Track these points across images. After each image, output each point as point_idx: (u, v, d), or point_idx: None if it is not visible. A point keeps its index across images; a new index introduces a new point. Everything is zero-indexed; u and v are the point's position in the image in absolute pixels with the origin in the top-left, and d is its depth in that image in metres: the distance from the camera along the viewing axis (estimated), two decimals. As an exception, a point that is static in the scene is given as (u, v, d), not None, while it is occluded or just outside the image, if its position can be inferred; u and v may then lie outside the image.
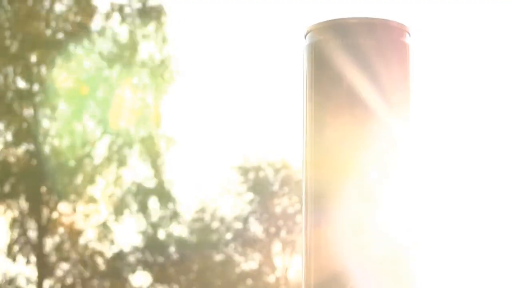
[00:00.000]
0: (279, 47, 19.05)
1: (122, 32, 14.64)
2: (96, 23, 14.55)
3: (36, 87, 14.23)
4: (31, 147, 14.10)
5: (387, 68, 0.83)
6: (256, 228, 15.78)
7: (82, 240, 14.51)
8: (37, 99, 14.19)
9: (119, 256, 14.53)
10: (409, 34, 0.85)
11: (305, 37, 0.86)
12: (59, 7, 14.39)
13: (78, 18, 14.44)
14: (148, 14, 14.59)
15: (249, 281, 15.58)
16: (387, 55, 0.83)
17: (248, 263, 15.75)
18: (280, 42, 18.77)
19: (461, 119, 19.13)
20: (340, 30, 0.83)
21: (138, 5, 14.61)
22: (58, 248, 14.26)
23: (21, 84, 14.23)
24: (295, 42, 0.92)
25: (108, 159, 14.55)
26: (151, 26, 14.62)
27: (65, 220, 14.40)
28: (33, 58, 14.27)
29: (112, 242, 14.64)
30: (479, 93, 20.42)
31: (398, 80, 0.83)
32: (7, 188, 14.02)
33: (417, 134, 0.85)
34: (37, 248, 13.90)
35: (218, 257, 15.47)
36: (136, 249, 14.74)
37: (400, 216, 0.82)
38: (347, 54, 0.82)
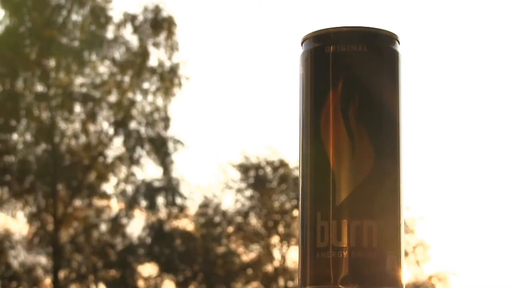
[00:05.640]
0: (278, 54, 19.09)
1: (134, 40, 14.68)
2: (110, 32, 14.59)
3: (53, 91, 14.24)
4: (49, 146, 14.11)
5: (378, 74, 0.82)
6: (255, 222, 15.80)
7: (95, 233, 14.53)
8: (54, 102, 14.20)
9: (129, 248, 14.54)
10: (399, 42, 0.85)
11: (302, 44, 0.85)
12: (75, 16, 14.41)
13: (93, 27, 14.46)
14: (159, 24, 14.61)
15: (249, 271, 15.59)
16: (378, 61, 0.83)
17: (248, 254, 15.77)
18: (279, 50, 18.80)
19: (448, 121, 19.16)
20: (334, 38, 0.83)
21: (150, 15, 14.64)
22: (73, 240, 14.28)
23: (39, 88, 14.25)
24: (293, 49, 0.91)
25: (120, 158, 14.57)
26: (162, 35, 14.65)
27: (79, 214, 14.42)
28: (51, 64, 14.30)
29: (123, 235, 14.65)
30: (466, 97, 20.45)
31: (388, 84, 0.83)
32: (26, 185, 14.04)
33: (407, 135, 0.84)
34: (53, 240, 13.92)
35: (221, 249, 15.48)
36: (144, 242, 14.75)
37: (397, 212, 0.82)
38: (340, 60, 0.82)
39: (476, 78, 19.44)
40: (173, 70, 14.73)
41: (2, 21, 14.08)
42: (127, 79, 14.64)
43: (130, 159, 14.60)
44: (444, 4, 19.43)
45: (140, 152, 14.56)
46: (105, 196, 14.56)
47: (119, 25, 14.63)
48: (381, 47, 0.83)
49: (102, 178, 14.49)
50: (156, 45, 14.71)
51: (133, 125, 14.58)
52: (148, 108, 14.67)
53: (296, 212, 15.11)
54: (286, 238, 15.58)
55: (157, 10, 14.66)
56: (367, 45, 0.82)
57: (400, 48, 0.85)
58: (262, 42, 20.98)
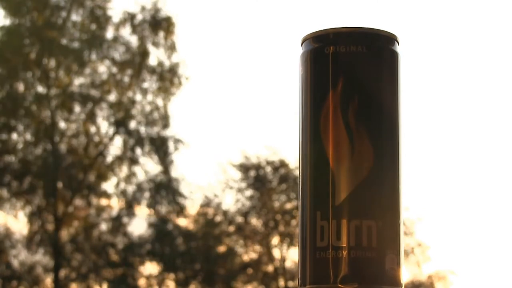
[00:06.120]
0: (278, 55, 19.09)
1: (133, 40, 14.68)
2: (109, 32, 14.59)
3: (53, 91, 14.24)
4: (48, 146, 14.11)
5: (377, 74, 0.83)
6: (256, 222, 15.80)
7: (95, 232, 14.52)
8: (54, 102, 14.20)
9: (130, 247, 14.53)
10: (398, 43, 0.85)
11: (301, 45, 0.86)
12: (75, 17, 14.42)
13: (93, 27, 14.46)
14: (158, 23, 14.61)
15: (250, 271, 15.59)
16: (377, 62, 0.83)
17: (249, 254, 15.77)
18: (279, 50, 18.81)
19: (448, 121, 19.16)
20: (334, 38, 0.83)
21: (149, 15, 14.64)
22: (73, 239, 14.27)
23: (39, 88, 14.25)
24: (293, 50, 0.92)
25: (120, 158, 14.57)
26: (161, 35, 14.64)
27: (80, 213, 14.42)
28: (51, 64, 14.29)
29: (123, 234, 14.65)
30: (465, 97, 20.46)
31: (388, 85, 0.83)
32: (26, 184, 14.03)
33: (407, 135, 0.85)
34: (54, 239, 13.91)
35: (221, 249, 15.48)
36: (145, 241, 14.75)
37: (396, 212, 0.82)
38: (340, 61, 0.82)
39: (475, 78, 19.44)
40: (173, 69, 14.73)
41: (2, 21, 14.10)
42: (126, 78, 14.64)
43: (130, 159, 14.60)
44: (444, 4, 19.43)
45: (140, 151, 14.56)
46: (105, 195, 14.56)
47: (119, 25, 14.63)
48: (381, 48, 0.83)
49: (103, 177, 14.49)
50: (155, 44, 14.71)
51: (133, 124, 14.59)
52: (148, 108, 14.67)
53: (296, 212, 15.11)
54: (286, 237, 15.58)
55: (156, 9, 14.66)
56: (366, 45, 0.82)
57: (399, 48, 0.85)
58: (262, 42, 20.99)
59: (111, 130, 14.54)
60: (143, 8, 14.65)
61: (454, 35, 19.54)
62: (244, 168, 15.75)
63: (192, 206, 15.36)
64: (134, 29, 14.65)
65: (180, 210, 14.99)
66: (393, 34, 0.85)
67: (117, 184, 14.58)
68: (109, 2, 14.61)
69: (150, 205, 14.76)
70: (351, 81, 0.82)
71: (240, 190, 15.74)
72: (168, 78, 14.67)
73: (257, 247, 15.73)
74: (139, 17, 14.65)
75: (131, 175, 14.61)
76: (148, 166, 14.82)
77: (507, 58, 19.39)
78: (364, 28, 0.83)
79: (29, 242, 13.97)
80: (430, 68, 19.71)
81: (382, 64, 0.83)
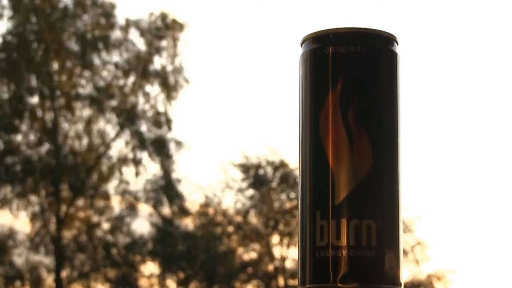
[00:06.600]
0: (278, 55, 19.11)
1: (137, 43, 14.70)
2: (114, 36, 14.61)
3: (57, 93, 14.25)
4: (52, 147, 14.11)
5: (376, 75, 0.82)
6: (256, 221, 15.79)
7: (97, 232, 14.53)
8: (58, 103, 14.21)
9: (132, 247, 14.53)
10: (397, 43, 0.85)
11: (301, 45, 0.85)
12: (80, 20, 14.43)
13: (98, 31, 14.48)
14: (162, 29, 14.63)
15: (250, 270, 15.59)
16: (376, 62, 0.83)
17: (249, 253, 15.77)
18: (279, 50, 18.82)
19: (447, 121, 19.18)
20: (333, 39, 0.83)
21: (153, 20, 14.66)
22: (75, 239, 14.27)
23: (44, 90, 14.25)
24: (293, 50, 0.92)
25: (122, 159, 14.58)
26: (165, 40, 14.68)
27: (82, 214, 14.42)
28: (55, 66, 14.31)
29: (125, 234, 14.65)
30: (465, 97, 20.48)
31: (387, 85, 0.83)
32: (29, 184, 14.04)
33: (406, 135, 0.84)
34: (56, 239, 13.91)
35: (221, 248, 15.48)
36: (146, 241, 14.75)
37: (396, 211, 0.82)
38: (340, 61, 0.82)
39: (475, 78, 19.45)
40: (175, 73, 14.76)
41: (9, 22, 14.11)
42: (130, 81, 14.67)
43: (133, 160, 14.61)
44: (443, 4, 19.44)
45: (142, 152, 14.58)
46: (107, 196, 14.57)
47: (123, 30, 14.65)
48: (380, 48, 0.83)
49: (105, 178, 14.50)
50: (158, 49, 14.73)
51: (135, 126, 14.60)
52: (150, 110, 14.69)
53: (296, 211, 15.11)
54: (286, 237, 15.58)
55: (162, 15, 14.69)
56: (366, 46, 0.82)
57: (399, 49, 0.85)
58: (262, 42, 21.00)
59: (114, 132, 14.57)
60: (148, 14, 14.69)
61: (454, 35, 19.54)
62: (244, 168, 15.76)
63: (193, 206, 15.38)
64: (138, 33, 14.67)
65: (181, 210, 15.00)
66: (392, 35, 0.85)
67: (119, 185, 14.60)
68: (115, 8, 14.63)
69: (151, 205, 14.77)
70: (351, 81, 0.81)
71: (240, 190, 15.75)
72: (170, 81, 14.70)
73: (257, 246, 15.73)
74: (143, 21, 14.68)
75: (133, 176, 14.63)
76: (149, 167, 14.84)
77: (507, 58, 19.40)
78: (363, 29, 0.83)
79: (32, 242, 13.97)
80: (429, 68, 19.73)
81: (381, 65, 0.83)
